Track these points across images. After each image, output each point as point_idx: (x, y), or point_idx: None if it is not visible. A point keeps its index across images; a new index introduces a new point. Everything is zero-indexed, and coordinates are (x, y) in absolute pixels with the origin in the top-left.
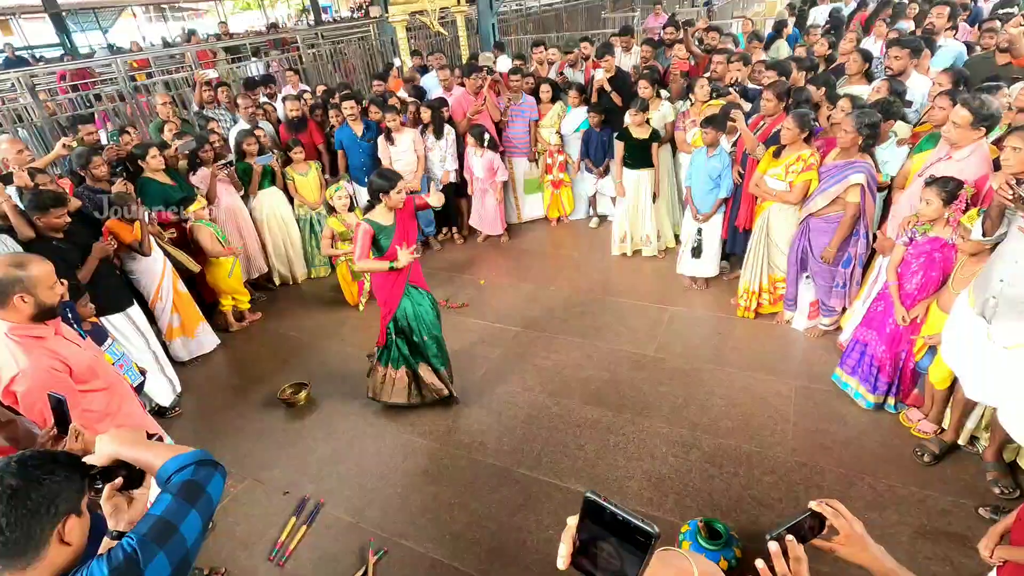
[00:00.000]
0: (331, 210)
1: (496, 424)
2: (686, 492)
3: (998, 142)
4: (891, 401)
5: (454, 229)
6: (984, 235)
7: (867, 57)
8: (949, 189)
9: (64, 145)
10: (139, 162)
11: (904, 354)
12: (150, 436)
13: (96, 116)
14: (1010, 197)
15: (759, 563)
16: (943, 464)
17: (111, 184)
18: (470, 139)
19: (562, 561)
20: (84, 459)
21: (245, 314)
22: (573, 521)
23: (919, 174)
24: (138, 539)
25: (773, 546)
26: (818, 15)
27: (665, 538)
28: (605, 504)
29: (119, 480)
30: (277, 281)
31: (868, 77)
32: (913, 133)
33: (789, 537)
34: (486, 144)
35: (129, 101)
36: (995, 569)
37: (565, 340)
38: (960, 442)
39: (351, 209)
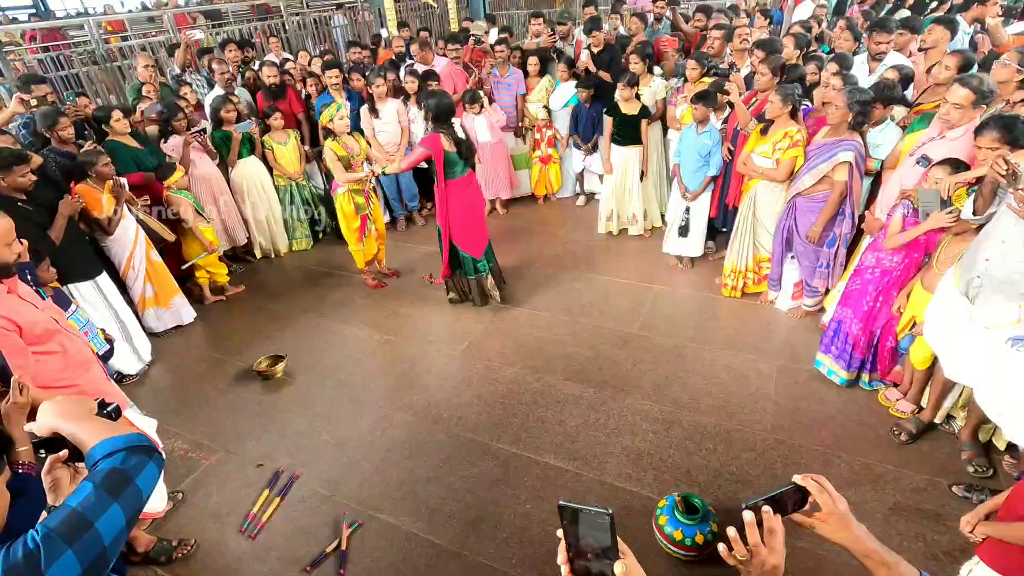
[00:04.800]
0: (328, 133)
1: (476, 399)
2: (665, 468)
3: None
4: (866, 378)
5: None
6: (975, 214)
7: (856, 36)
8: (960, 171)
9: (21, 100)
10: (103, 126)
11: (880, 332)
12: (106, 405)
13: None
14: (1004, 172)
15: (730, 531)
16: (919, 443)
17: (78, 147)
18: (467, 103)
19: (565, 570)
20: (26, 427)
21: (226, 287)
22: (560, 533)
23: (910, 154)
24: (43, 534)
25: (748, 515)
26: None
27: (643, 513)
28: (574, 506)
29: (64, 452)
30: (258, 254)
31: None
32: (911, 112)
33: (765, 508)
34: (482, 102)
35: (103, 64)
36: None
37: (548, 317)
38: (936, 421)
39: (350, 133)
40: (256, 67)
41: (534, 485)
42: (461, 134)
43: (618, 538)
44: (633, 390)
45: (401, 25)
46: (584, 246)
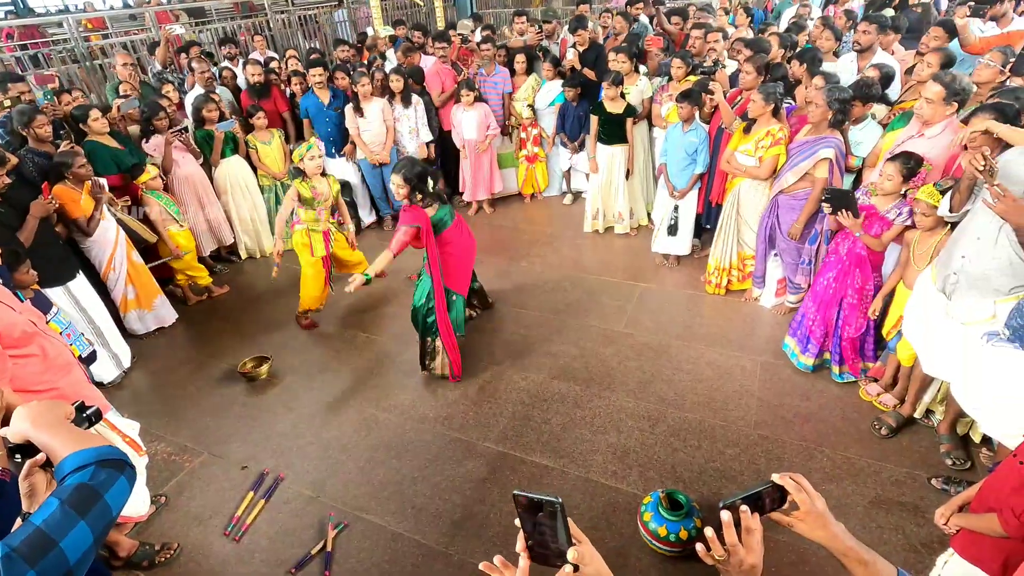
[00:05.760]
0: (298, 173)
1: (462, 398)
2: (650, 465)
3: (967, 120)
4: (836, 370)
5: None
6: (951, 210)
7: (838, 36)
8: (910, 166)
9: None
10: (81, 125)
11: (839, 320)
12: (86, 408)
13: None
14: (982, 168)
15: (708, 531)
16: (899, 437)
17: (55, 147)
18: (462, 92)
19: (523, 556)
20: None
21: (211, 288)
22: (518, 523)
23: (891, 151)
24: (4, 553)
25: (725, 515)
26: None
27: (628, 509)
28: (526, 494)
29: (41, 456)
30: (243, 254)
31: (835, 55)
32: (892, 110)
33: (743, 508)
34: (478, 93)
35: (83, 63)
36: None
37: (535, 316)
38: (916, 415)
39: (324, 174)
40: (238, 65)
41: (520, 484)
42: (433, 186)
43: (572, 524)
44: (619, 388)
45: (397, 23)
46: (570, 244)
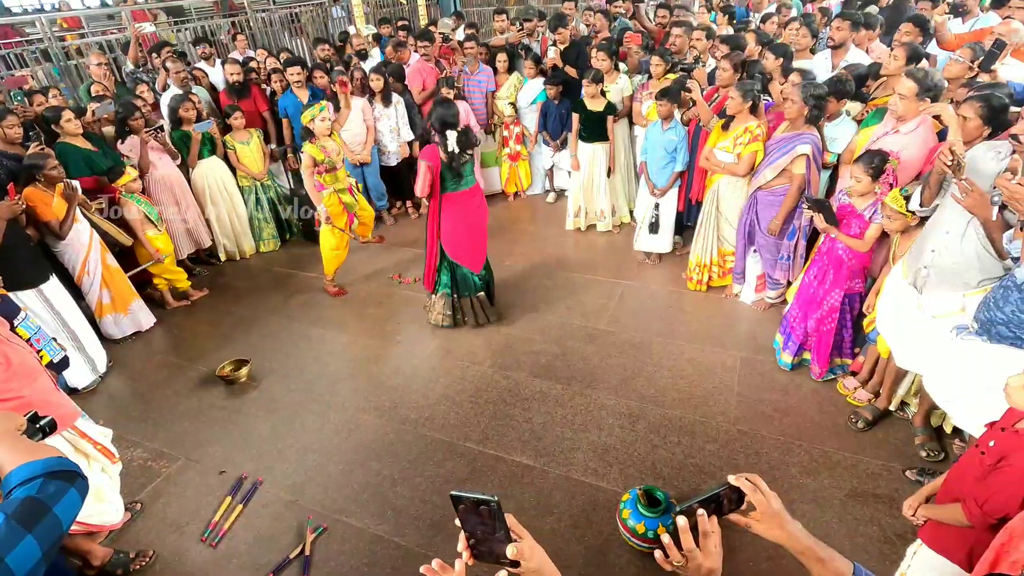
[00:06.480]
0: (307, 134)
1: (443, 399)
2: (630, 462)
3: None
4: (817, 370)
5: (408, 203)
6: (922, 205)
7: (814, 33)
8: (875, 164)
9: None
10: (54, 127)
11: (819, 318)
12: (39, 419)
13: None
14: (949, 163)
15: (665, 538)
16: (875, 430)
17: (25, 148)
18: (442, 90)
19: (466, 555)
20: None
21: (189, 292)
22: (458, 523)
23: (866, 148)
24: None
25: (681, 520)
26: None
27: (608, 507)
28: (463, 495)
29: None
30: (223, 256)
31: (811, 52)
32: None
33: (700, 512)
34: (457, 90)
35: (57, 63)
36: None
37: (517, 314)
38: (891, 408)
39: (330, 134)
40: (214, 66)
41: (501, 483)
42: (453, 146)
43: (513, 521)
44: (600, 385)
45: (383, 21)
46: (553, 243)
